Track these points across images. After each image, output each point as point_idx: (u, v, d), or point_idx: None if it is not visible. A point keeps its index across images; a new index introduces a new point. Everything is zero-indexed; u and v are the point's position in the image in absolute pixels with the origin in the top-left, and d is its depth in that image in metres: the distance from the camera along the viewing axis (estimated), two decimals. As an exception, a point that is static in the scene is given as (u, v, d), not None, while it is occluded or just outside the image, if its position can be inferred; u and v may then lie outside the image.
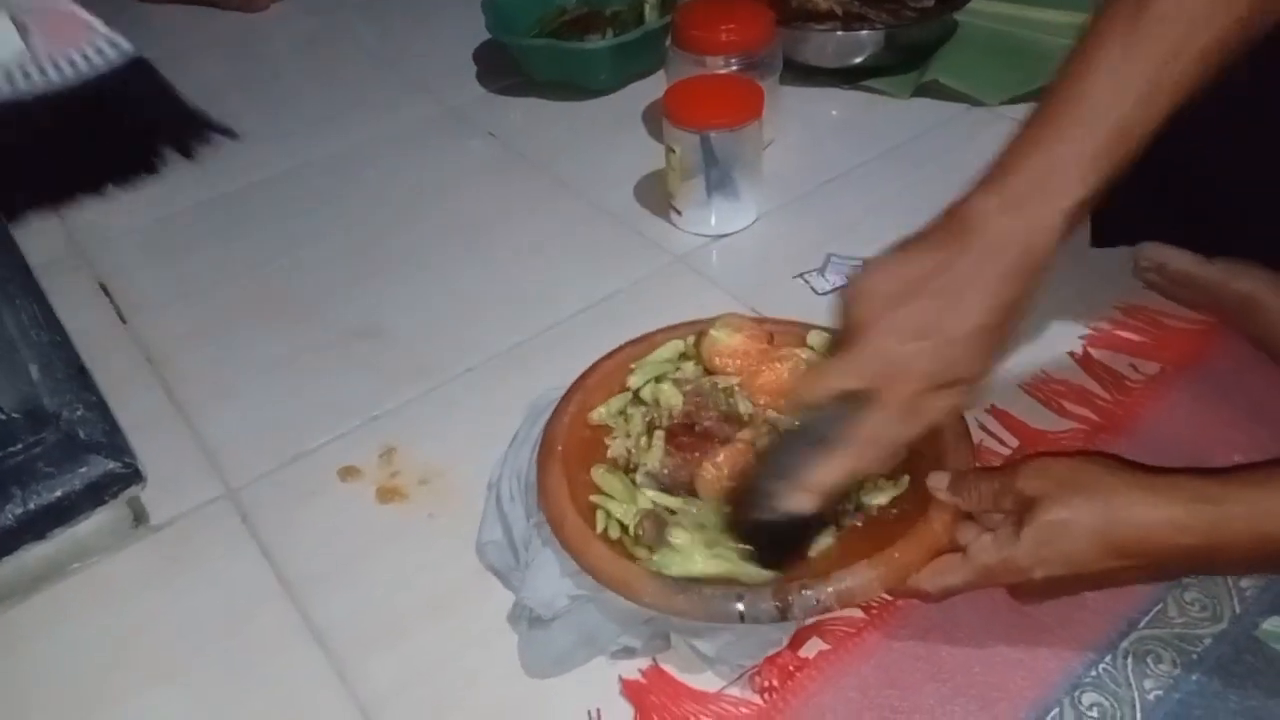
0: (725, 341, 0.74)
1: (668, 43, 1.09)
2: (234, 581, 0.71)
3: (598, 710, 0.61)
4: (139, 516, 0.74)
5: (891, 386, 0.52)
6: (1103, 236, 0.81)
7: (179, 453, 0.80)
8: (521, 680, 0.63)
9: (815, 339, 0.75)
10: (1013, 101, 1.13)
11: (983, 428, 0.77)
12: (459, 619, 0.67)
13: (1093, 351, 0.82)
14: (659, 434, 0.69)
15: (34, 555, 0.68)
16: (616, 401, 0.72)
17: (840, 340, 0.54)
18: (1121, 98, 0.49)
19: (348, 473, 0.78)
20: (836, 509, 0.62)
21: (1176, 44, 0.49)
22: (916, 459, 0.62)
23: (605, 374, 0.74)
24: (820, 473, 0.53)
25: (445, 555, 0.71)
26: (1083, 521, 0.50)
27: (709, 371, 0.74)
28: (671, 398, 0.72)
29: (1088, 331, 0.84)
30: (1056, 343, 0.83)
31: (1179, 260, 0.81)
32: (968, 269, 0.50)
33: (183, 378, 0.88)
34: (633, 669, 0.63)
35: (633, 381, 0.73)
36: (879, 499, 0.63)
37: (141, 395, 0.85)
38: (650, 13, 1.25)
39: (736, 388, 0.71)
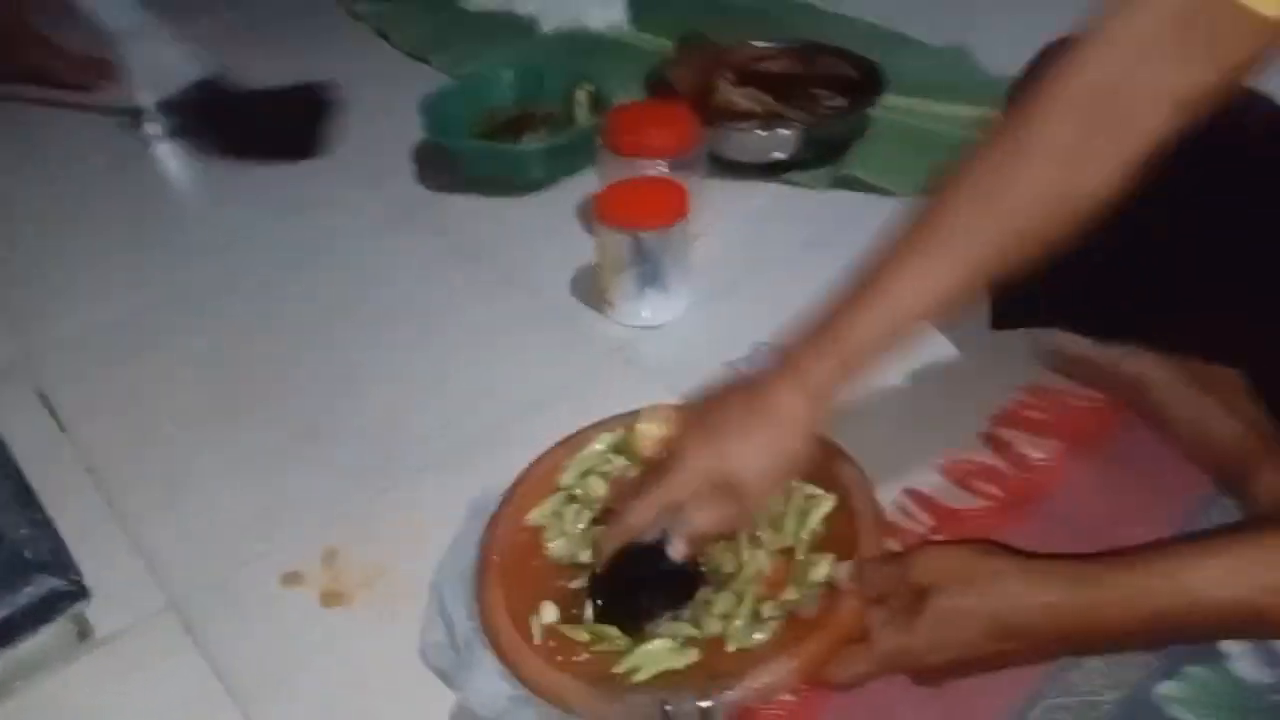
0: (652, 434, 0.77)
1: (598, 142, 1.15)
2: (180, 693, 0.72)
3: (541, 808, 0.63)
4: (83, 631, 0.75)
5: (685, 462, 0.62)
6: (1002, 320, 0.87)
7: (121, 564, 0.81)
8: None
9: None
10: (921, 193, 1.20)
11: (901, 509, 0.81)
12: (405, 719, 0.69)
13: (999, 431, 0.88)
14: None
15: (-21, 674, 0.69)
16: (551, 502, 0.76)
17: (665, 460, 0.64)
18: (911, 292, 0.59)
19: (291, 579, 0.80)
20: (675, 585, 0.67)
21: (965, 259, 0.59)
22: (836, 543, 0.67)
23: (538, 478, 0.77)
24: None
25: (389, 657, 0.73)
26: (970, 609, 0.54)
27: (641, 464, 0.77)
28: (597, 488, 0.75)
29: (994, 412, 0.90)
30: (966, 423, 0.89)
31: (1075, 345, 0.88)
32: (758, 424, 0.61)
33: (123, 487, 0.89)
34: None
35: (564, 480, 0.77)
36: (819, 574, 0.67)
37: (82, 506, 0.86)
38: (580, 112, 1.31)
39: None
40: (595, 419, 0.87)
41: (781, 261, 1.14)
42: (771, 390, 0.62)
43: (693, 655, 0.63)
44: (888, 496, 0.82)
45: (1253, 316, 0.71)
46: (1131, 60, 0.55)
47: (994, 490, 0.83)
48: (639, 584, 0.66)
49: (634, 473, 0.76)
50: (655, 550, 0.63)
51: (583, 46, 1.64)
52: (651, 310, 1.04)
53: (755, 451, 0.61)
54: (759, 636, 0.64)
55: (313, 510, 0.86)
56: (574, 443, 0.80)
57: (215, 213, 1.31)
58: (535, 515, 0.75)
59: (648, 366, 1.00)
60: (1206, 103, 0.56)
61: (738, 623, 0.65)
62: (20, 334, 1.10)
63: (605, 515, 0.73)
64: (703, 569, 0.68)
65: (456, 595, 0.74)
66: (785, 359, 0.64)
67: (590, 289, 1.09)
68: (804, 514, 0.70)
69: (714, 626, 0.65)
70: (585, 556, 0.71)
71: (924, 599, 0.56)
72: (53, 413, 0.98)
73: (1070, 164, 0.57)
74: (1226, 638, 0.66)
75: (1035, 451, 0.86)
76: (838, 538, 0.68)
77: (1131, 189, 0.58)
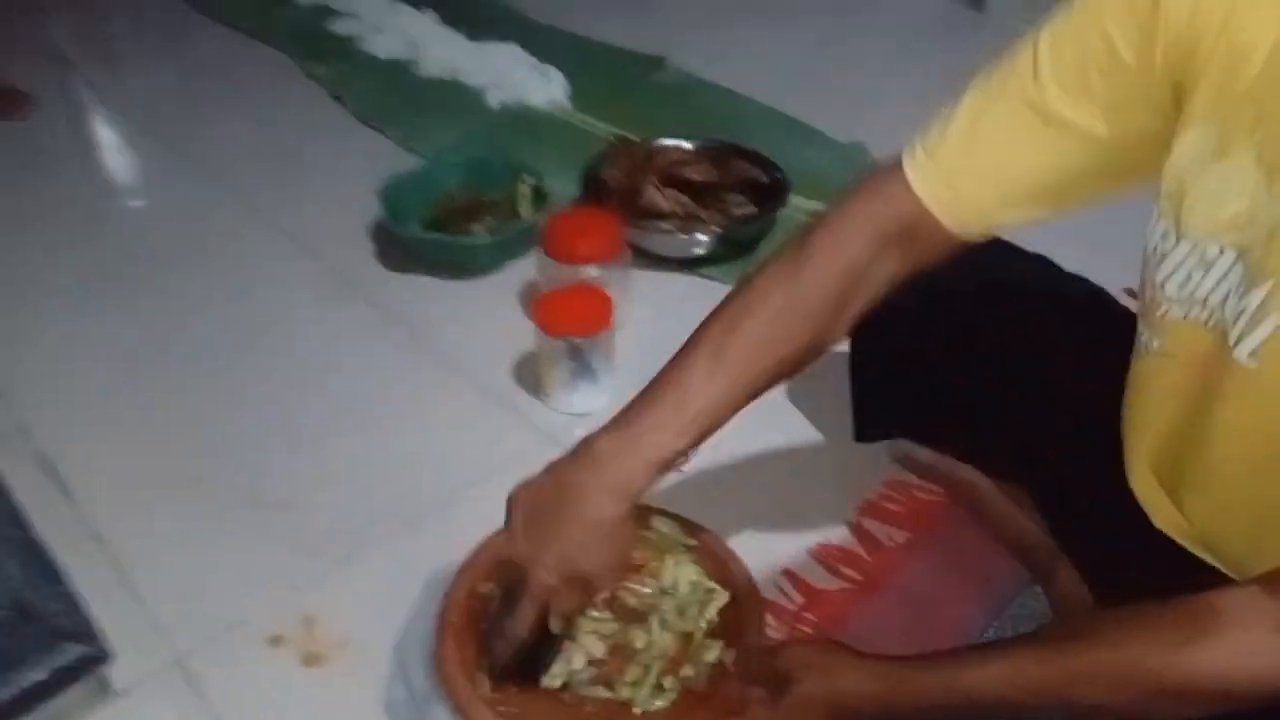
0: None
1: (538, 247, 1.32)
2: (188, 740, 0.88)
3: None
4: (103, 687, 0.90)
5: (534, 574, 0.74)
6: (863, 435, 1.08)
7: (130, 625, 0.95)
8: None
9: (660, 523, 0.95)
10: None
11: (778, 587, 1.01)
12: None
13: (863, 520, 1.09)
14: None
15: (18, 728, 0.84)
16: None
17: (506, 538, 0.77)
18: (706, 394, 0.73)
19: (275, 640, 0.96)
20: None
21: (751, 360, 0.74)
22: (727, 631, 0.86)
23: (491, 552, 0.93)
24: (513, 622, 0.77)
25: (361, 712, 0.90)
26: (818, 694, 0.73)
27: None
28: None
29: (859, 502, 1.11)
30: (836, 512, 1.09)
31: (919, 453, 1.09)
32: (578, 528, 0.74)
33: (128, 553, 1.04)
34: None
35: None
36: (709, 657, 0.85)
37: (92, 571, 1.00)
38: (523, 204, 1.48)
39: None
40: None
41: (694, 352, 1.33)
42: (585, 499, 0.73)
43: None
44: (769, 574, 1.03)
45: (1036, 452, 0.92)
46: (872, 246, 0.73)
47: (852, 573, 1.03)
48: (528, 659, 0.82)
49: None
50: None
51: (526, 124, 1.80)
52: (582, 399, 1.22)
53: (592, 554, 0.74)
54: (659, 704, 0.82)
55: (290, 578, 1.02)
56: None
57: (180, 277, 1.44)
58: (488, 586, 0.91)
59: (577, 450, 1.18)
60: (921, 272, 0.75)
61: (643, 690, 0.83)
62: (14, 402, 1.22)
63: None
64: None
65: (415, 658, 0.91)
66: (595, 456, 0.74)
67: (527, 376, 1.26)
68: (704, 605, 0.89)
69: (624, 692, 0.84)
70: None
71: (787, 684, 0.75)
72: (58, 479, 1.11)
73: (830, 318, 0.74)
74: None
75: (888, 539, 1.07)
76: (728, 626, 0.87)
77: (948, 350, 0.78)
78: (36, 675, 0.83)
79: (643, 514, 0.95)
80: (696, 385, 0.74)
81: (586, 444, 0.76)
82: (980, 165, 0.70)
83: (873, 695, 0.72)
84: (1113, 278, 0.97)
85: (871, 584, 1.02)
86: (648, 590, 0.91)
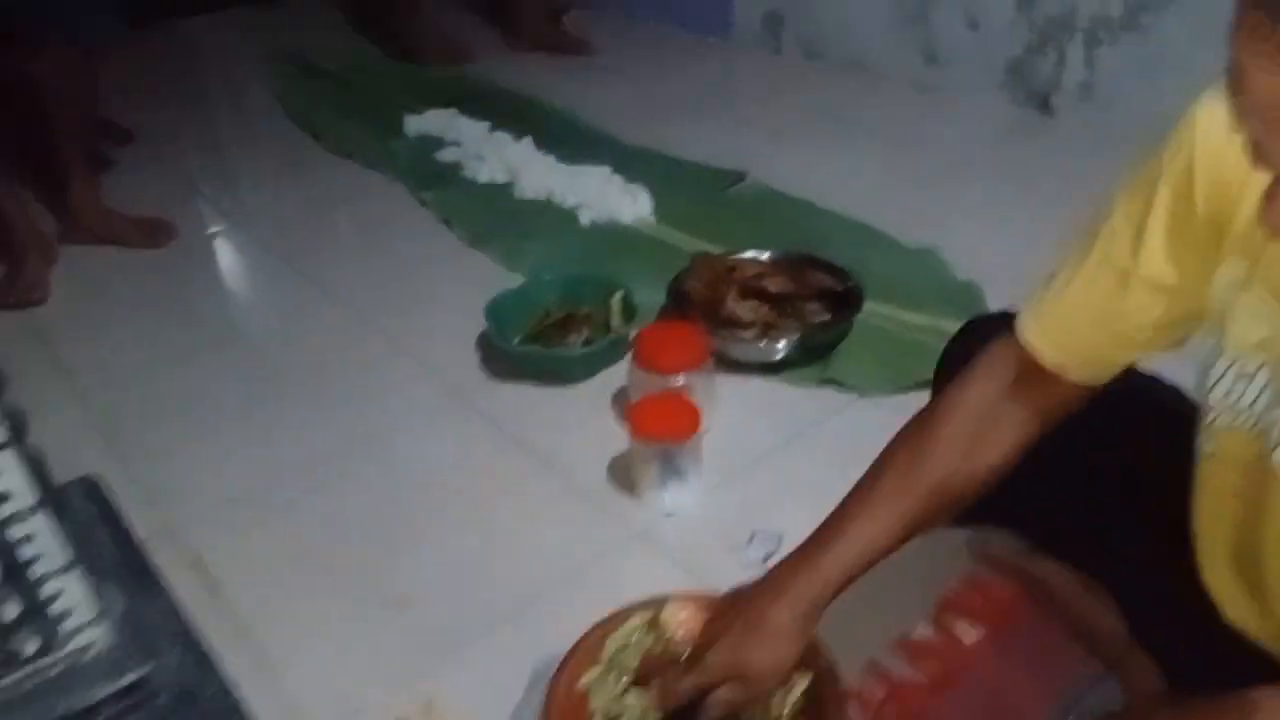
0: (675, 617, 1.03)
1: (629, 354, 1.43)
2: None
3: None
4: (251, 769, 1.01)
5: (725, 688, 0.86)
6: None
7: (273, 709, 1.06)
8: None
9: None
10: (890, 393, 1.48)
11: (863, 680, 1.07)
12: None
13: (943, 615, 1.14)
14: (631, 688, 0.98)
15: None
16: (595, 671, 1.01)
17: (693, 653, 0.89)
18: (861, 535, 0.86)
19: (401, 722, 1.06)
20: None
21: (892, 512, 0.86)
22: (810, 714, 0.92)
23: (585, 650, 1.01)
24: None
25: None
26: None
27: (664, 641, 1.03)
28: (632, 660, 1.00)
29: (940, 599, 1.16)
30: (920, 606, 1.15)
31: (996, 547, 1.14)
32: (759, 637, 0.86)
33: (268, 642, 1.16)
34: None
35: (605, 654, 1.01)
36: None
37: (237, 657, 1.11)
38: (615, 318, 1.61)
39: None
40: (627, 592, 1.13)
41: (776, 452, 1.41)
42: (765, 607, 0.87)
43: None
44: (855, 666, 1.08)
45: (1117, 546, 0.97)
46: (997, 395, 0.84)
47: (932, 667, 1.08)
48: None
49: (659, 648, 1.01)
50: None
51: (615, 240, 1.95)
52: (671, 500, 1.31)
53: (756, 654, 0.86)
54: None
55: (410, 666, 1.12)
56: (611, 622, 1.05)
57: (314, 396, 1.59)
58: (583, 681, 1.01)
59: (668, 548, 1.27)
60: (1056, 419, 0.83)
61: None
62: (163, 504, 1.37)
63: (639, 682, 0.98)
64: None
65: (522, 740, 0.99)
66: (776, 582, 0.88)
67: (621, 476, 1.36)
68: (788, 690, 0.96)
69: None
70: (618, 712, 0.96)
71: None
72: (206, 576, 1.25)
73: (963, 459, 0.85)
74: None
75: (966, 635, 1.11)
76: (811, 710, 0.94)
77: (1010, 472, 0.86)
78: (195, 754, 0.95)
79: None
80: (853, 527, 0.87)
81: (773, 572, 0.89)
82: (1090, 329, 0.78)
83: None
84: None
85: (949, 678, 1.07)
86: None
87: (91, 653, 0.92)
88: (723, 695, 0.86)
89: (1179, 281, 0.74)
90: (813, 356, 1.55)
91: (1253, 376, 0.71)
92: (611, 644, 1.03)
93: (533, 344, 1.59)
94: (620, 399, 1.51)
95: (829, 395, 1.51)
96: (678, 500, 1.32)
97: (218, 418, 1.55)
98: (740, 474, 1.38)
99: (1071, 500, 1.00)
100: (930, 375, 1.20)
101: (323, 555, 1.28)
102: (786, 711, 0.94)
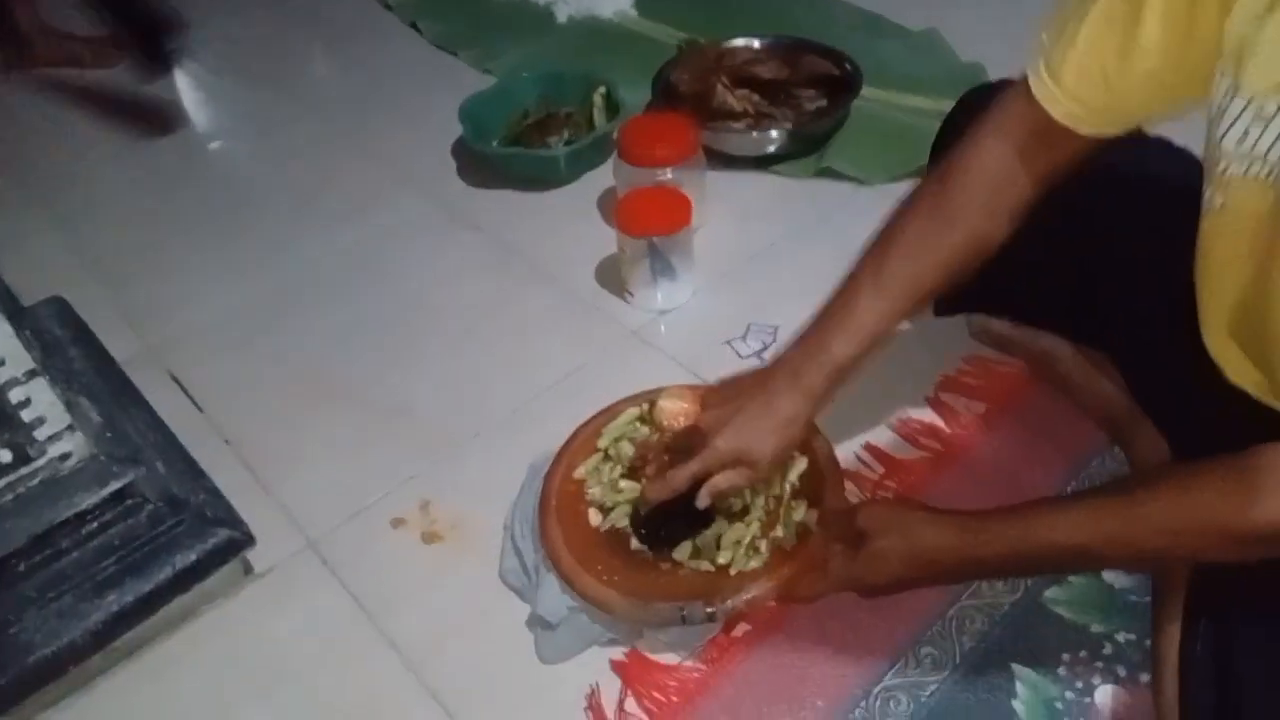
0: (671, 409, 1.01)
1: (614, 153, 1.35)
2: (325, 612, 0.98)
3: (596, 684, 0.89)
4: (247, 569, 1.00)
5: (714, 440, 0.84)
6: (942, 308, 1.09)
7: (266, 516, 1.05)
8: (539, 667, 0.91)
9: None
10: (892, 180, 1.41)
11: (861, 460, 1.06)
12: (492, 626, 0.95)
13: (942, 395, 1.11)
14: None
15: (178, 603, 0.95)
16: (592, 461, 1.00)
17: (696, 440, 0.85)
18: (872, 308, 0.81)
19: (397, 522, 1.05)
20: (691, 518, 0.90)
21: (909, 273, 0.80)
22: (809, 493, 0.91)
23: (581, 440, 1.01)
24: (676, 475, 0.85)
25: (478, 580, 0.99)
26: (891, 547, 0.78)
27: (659, 431, 1.01)
28: (627, 450, 0.99)
29: (938, 378, 1.13)
30: (916, 389, 1.12)
31: (997, 326, 1.11)
32: (765, 417, 0.83)
33: (256, 455, 1.14)
34: (618, 654, 0.91)
35: (601, 444, 1.01)
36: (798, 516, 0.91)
37: (227, 471, 1.10)
38: (597, 114, 1.52)
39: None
40: (622, 390, 1.11)
41: (770, 248, 1.36)
42: (775, 391, 0.83)
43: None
44: (852, 449, 1.07)
45: (1119, 316, 0.93)
46: (1010, 155, 0.77)
47: (933, 444, 1.06)
48: (668, 520, 0.90)
49: (655, 438, 0.99)
50: (681, 497, 0.86)
51: (595, 37, 1.83)
52: (664, 297, 1.27)
53: (764, 438, 0.82)
54: (754, 563, 0.88)
55: (408, 470, 1.10)
56: (607, 414, 1.03)
57: (290, 211, 1.52)
58: (580, 470, 0.99)
59: (662, 345, 1.23)
60: (1064, 175, 0.77)
61: (740, 552, 0.89)
62: (144, 327, 1.33)
63: (634, 470, 0.97)
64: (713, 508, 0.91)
65: (524, 533, 0.99)
66: (788, 364, 0.84)
67: (611, 278, 1.31)
68: (785, 469, 0.94)
69: (723, 556, 0.89)
70: (613, 500, 0.95)
71: (864, 540, 0.80)
72: (188, 394, 1.22)
73: (982, 222, 0.79)
74: (1072, 571, 0.91)
75: (967, 412, 1.09)
76: (810, 489, 0.92)
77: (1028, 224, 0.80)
78: (188, 558, 0.93)
79: None
80: (863, 302, 0.82)
81: (777, 357, 0.86)
82: (1104, 74, 0.70)
83: (949, 547, 0.76)
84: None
85: (951, 454, 1.05)
86: None
87: (71, 462, 0.90)
88: (725, 480, 0.84)
89: (1196, 11, 0.66)
90: (808, 147, 1.47)
91: (1270, 119, 0.64)
92: (607, 434, 1.02)
93: (512, 147, 1.50)
94: (607, 200, 1.44)
95: (826, 187, 1.44)
96: (671, 297, 1.27)
97: (196, 241, 1.49)
98: (734, 271, 1.33)
99: (1069, 273, 0.95)
100: (934, 160, 1.14)
101: (310, 372, 1.24)
102: (787, 488, 0.93)
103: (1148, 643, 0.87)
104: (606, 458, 1.01)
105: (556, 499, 0.96)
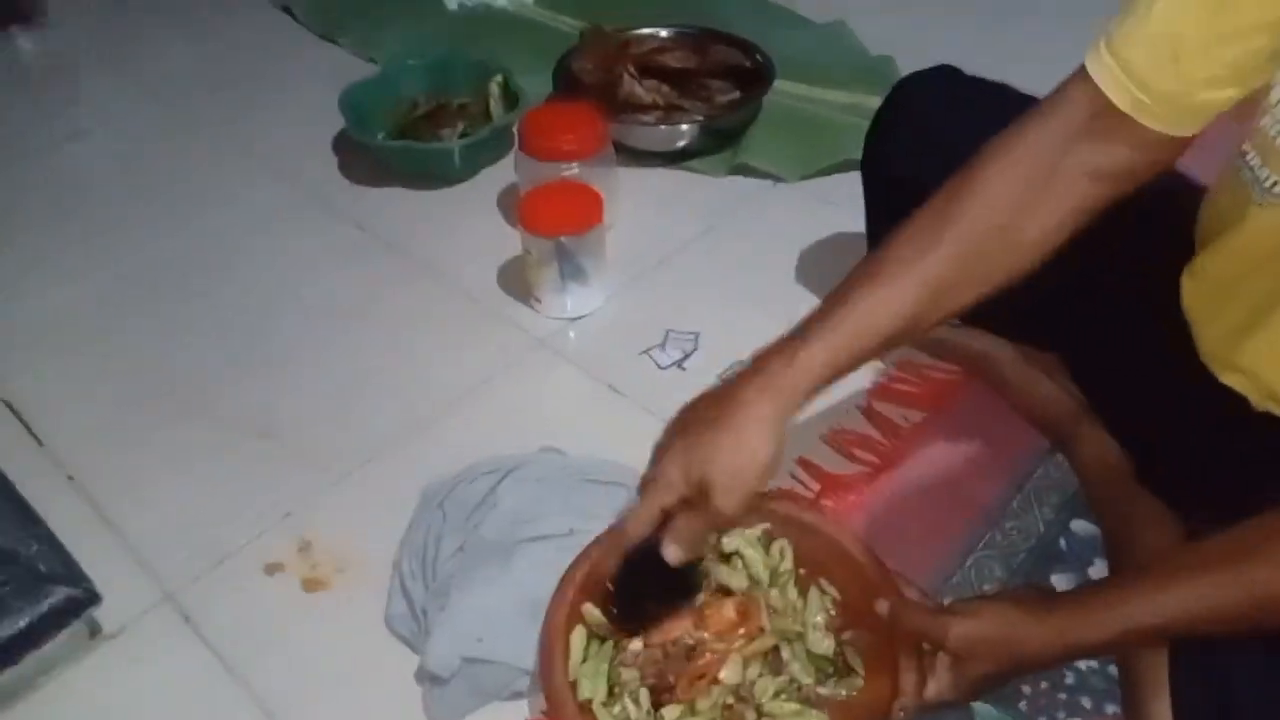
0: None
1: (515, 146, 1.24)
2: (185, 675, 0.84)
3: (511, 748, 0.78)
4: (94, 630, 0.85)
5: (660, 464, 0.69)
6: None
7: (116, 564, 0.90)
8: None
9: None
10: (809, 176, 1.34)
11: (793, 476, 0.97)
12: (378, 680, 0.83)
13: (875, 404, 1.04)
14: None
15: (9, 675, 0.79)
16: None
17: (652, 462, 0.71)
18: (863, 306, 0.68)
19: (273, 568, 0.91)
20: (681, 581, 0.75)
21: (906, 269, 0.68)
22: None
23: (590, 565, 0.77)
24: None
25: (365, 630, 0.86)
26: (997, 672, 0.68)
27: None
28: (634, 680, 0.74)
29: (871, 386, 1.06)
30: (849, 398, 1.05)
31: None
32: (725, 427, 0.68)
33: (104, 490, 0.98)
34: (528, 711, 0.80)
35: (584, 695, 0.73)
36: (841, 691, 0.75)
37: (70, 512, 0.94)
38: (494, 104, 1.40)
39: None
40: (529, 403, 0.99)
41: (687, 247, 1.27)
42: (740, 394, 0.68)
43: None
44: (784, 466, 0.98)
45: (1066, 313, 0.87)
46: (1061, 144, 0.67)
47: (869, 457, 0.99)
48: (642, 590, 0.73)
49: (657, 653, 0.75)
50: (659, 559, 0.69)
51: (487, 23, 1.71)
52: (574, 303, 1.16)
53: (721, 454, 0.67)
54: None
55: (280, 504, 0.96)
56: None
57: (136, 204, 1.35)
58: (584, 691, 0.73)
59: (572, 356, 1.13)
60: (1131, 183, 0.68)
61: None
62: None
63: (661, 692, 0.73)
64: (701, 568, 0.76)
65: (415, 572, 0.86)
66: (755, 366, 0.69)
67: (515, 282, 1.20)
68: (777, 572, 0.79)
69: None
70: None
71: (960, 665, 0.69)
72: (24, 422, 1.05)
73: (1009, 213, 0.68)
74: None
75: (903, 421, 1.02)
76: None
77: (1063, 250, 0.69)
78: (21, 621, 0.78)
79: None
80: (854, 293, 0.69)
81: (753, 360, 0.71)
82: (1182, 52, 0.62)
83: (1052, 648, 0.67)
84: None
85: (888, 466, 0.98)
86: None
87: None
88: (683, 522, 0.69)
89: None
90: (722, 141, 1.38)
91: None
92: (585, 675, 0.75)
93: (401, 140, 1.37)
94: (509, 198, 1.33)
95: (741, 183, 1.36)
96: (581, 303, 1.17)
97: (28, 233, 1.31)
98: (648, 273, 1.23)
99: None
100: (853, 154, 1.06)
101: (164, 392, 1.09)
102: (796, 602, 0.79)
103: (1111, 669, 0.80)
104: (612, 694, 0.74)
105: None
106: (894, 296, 0.68)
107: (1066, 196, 0.68)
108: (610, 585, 0.75)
